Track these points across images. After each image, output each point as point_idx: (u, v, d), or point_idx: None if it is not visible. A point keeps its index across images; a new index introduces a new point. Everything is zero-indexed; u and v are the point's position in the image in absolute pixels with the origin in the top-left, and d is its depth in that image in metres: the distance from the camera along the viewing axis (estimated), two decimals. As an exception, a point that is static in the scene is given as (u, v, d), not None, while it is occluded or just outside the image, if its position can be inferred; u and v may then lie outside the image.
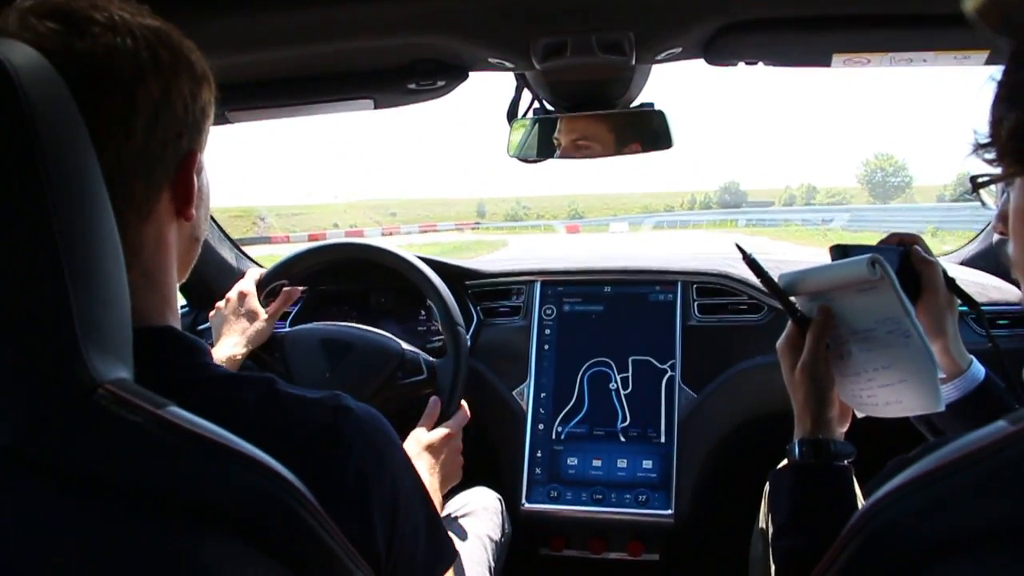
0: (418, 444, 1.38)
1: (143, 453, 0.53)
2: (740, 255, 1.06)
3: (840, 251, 1.07)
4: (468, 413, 1.51)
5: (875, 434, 1.14)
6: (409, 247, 1.95)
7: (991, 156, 0.72)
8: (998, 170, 0.73)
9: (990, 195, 0.91)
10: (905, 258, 1.11)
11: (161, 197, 0.72)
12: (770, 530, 1.03)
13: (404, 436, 1.43)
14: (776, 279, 1.05)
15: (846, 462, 0.96)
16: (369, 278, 1.80)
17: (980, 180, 0.83)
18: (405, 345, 1.62)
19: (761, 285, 1.84)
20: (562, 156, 1.61)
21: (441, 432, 1.41)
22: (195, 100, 0.73)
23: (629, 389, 1.86)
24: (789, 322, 1.05)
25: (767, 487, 1.03)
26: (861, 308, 0.98)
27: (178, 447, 0.53)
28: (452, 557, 0.89)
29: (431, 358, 1.63)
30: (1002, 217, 0.85)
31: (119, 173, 0.67)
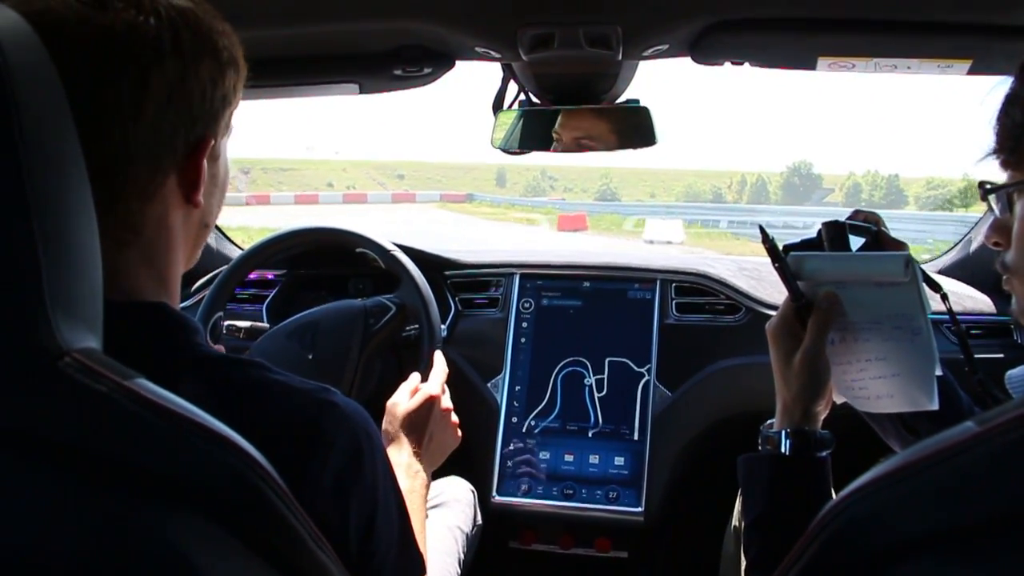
0: (399, 420, 1.24)
1: (108, 423, 0.53)
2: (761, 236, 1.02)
3: (834, 228, 1.02)
4: (445, 367, 1.38)
5: (847, 424, 1.13)
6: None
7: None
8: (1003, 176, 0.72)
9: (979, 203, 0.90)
10: (875, 237, 1.07)
11: (167, 181, 0.72)
12: (743, 522, 1.01)
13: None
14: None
15: (825, 453, 0.94)
16: (348, 263, 1.80)
17: (989, 187, 0.82)
18: (362, 300, 1.64)
19: (736, 290, 1.90)
20: (562, 151, 1.61)
21: (420, 398, 1.26)
22: (215, 86, 0.72)
23: (604, 392, 1.87)
24: (783, 304, 1.01)
25: (739, 476, 1.00)
26: (874, 301, 0.96)
27: (143, 419, 0.53)
28: (421, 572, 0.88)
29: (391, 297, 1.65)
30: (998, 228, 0.84)
31: (125, 153, 0.67)
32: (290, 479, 0.61)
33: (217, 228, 2.24)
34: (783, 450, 0.94)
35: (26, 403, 0.51)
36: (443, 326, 1.80)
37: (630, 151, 1.60)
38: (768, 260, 1.01)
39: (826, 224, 1.03)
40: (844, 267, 0.98)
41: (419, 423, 1.24)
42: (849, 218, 1.07)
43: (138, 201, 0.70)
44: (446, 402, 1.30)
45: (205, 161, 0.74)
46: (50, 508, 0.52)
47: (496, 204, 58.41)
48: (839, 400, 1.02)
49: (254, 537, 0.58)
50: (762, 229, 1.01)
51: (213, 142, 0.74)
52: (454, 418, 1.30)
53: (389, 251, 1.69)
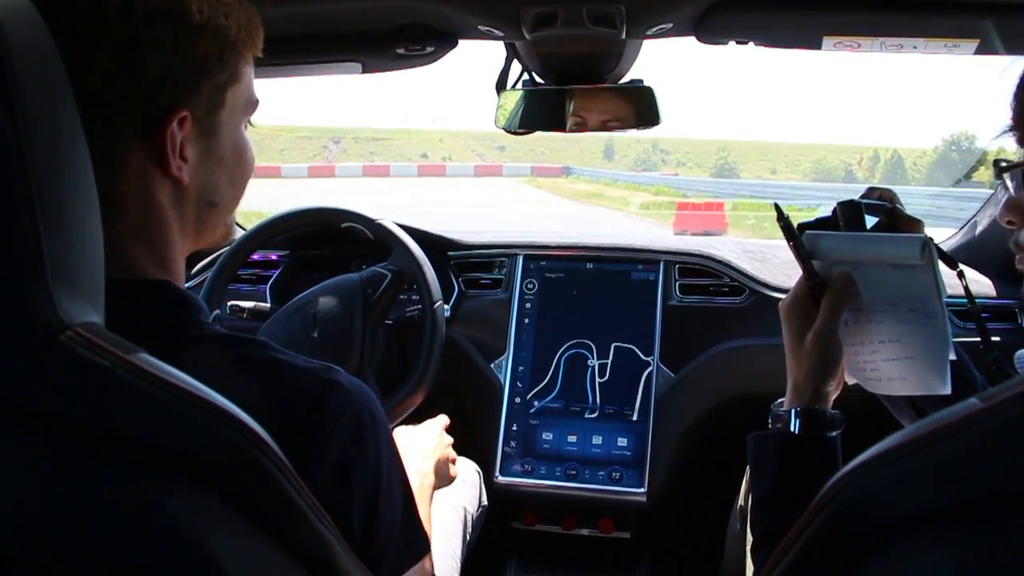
0: (420, 441, 1.33)
1: (109, 397, 0.53)
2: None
3: (850, 207, 1.01)
4: (446, 418, 1.47)
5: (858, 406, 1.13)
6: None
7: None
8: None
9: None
10: (890, 215, 1.05)
11: (130, 150, 0.69)
12: (749, 498, 1.00)
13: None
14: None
15: (836, 433, 0.94)
16: (353, 243, 1.80)
17: (1005, 165, 0.81)
18: (358, 273, 1.66)
19: (740, 272, 1.90)
20: (578, 130, 1.61)
21: (437, 430, 1.37)
22: (183, 54, 0.69)
23: (606, 377, 1.87)
24: (797, 283, 1.00)
25: (748, 454, 0.99)
26: (889, 282, 0.95)
27: (145, 392, 0.54)
28: (425, 550, 0.88)
29: (385, 264, 1.67)
30: (1013, 207, 0.83)
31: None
32: (293, 457, 0.62)
33: None
34: (792, 429, 0.94)
35: (27, 377, 0.52)
36: (446, 307, 1.80)
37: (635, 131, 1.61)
38: (773, 242, 1.01)
39: (841, 204, 1.03)
40: (860, 248, 0.97)
41: (429, 447, 1.31)
42: (863, 196, 1.06)
43: (106, 174, 0.67)
44: (449, 448, 1.37)
45: (176, 133, 0.71)
46: (49, 482, 0.52)
47: (595, 179, 48.28)
48: (851, 381, 1.02)
49: (255, 511, 0.58)
50: (777, 207, 1.00)
51: (187, 114, 0.71)
52: (452, 454, 1.37)
53: (374, 220, 1.71)
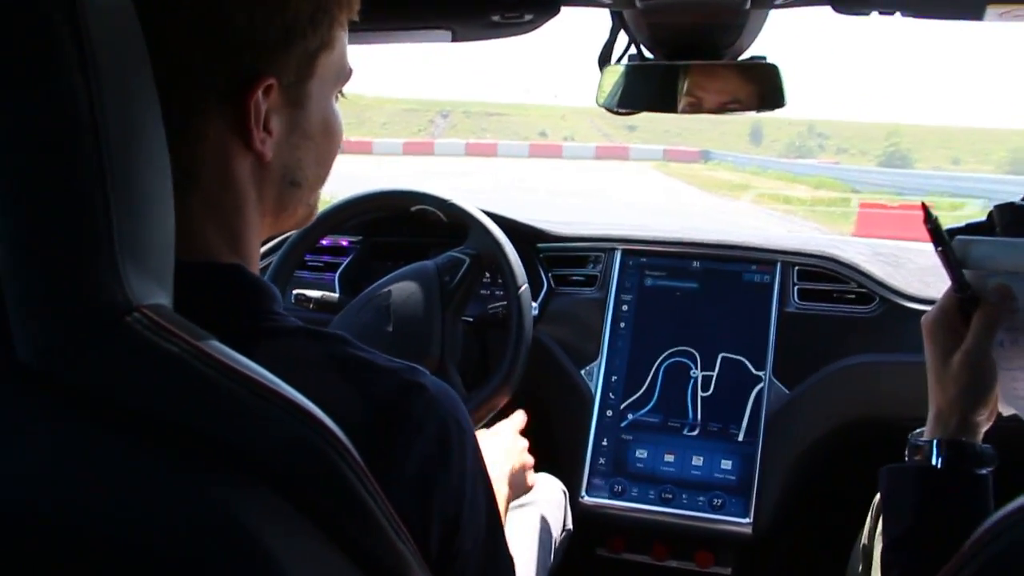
0: (492, 447, 1.31)
1: (176, 385, 0.53)
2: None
3: (1011, 211, 0.96)
4: (525, 416, 1.47)
5: (1014, 441, 1.08)
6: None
7: None
8: None
9: None
10: None
11: (211, 119, 0.69)
12: (878, 543, 0.98)
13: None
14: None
15: (986, 471, 0.90)
16: (430, 229, 1.81)
17: None
18: (433, 260, 1.68)
19: (870, 277, 1.84)
20: (692, 111, 1.59)
21: (512, 433, 1.36)
22: (270, 16, 0.69)
23: (710, 391, 1.84)
24: (944, 295, 0.96)
25: (880, 489, 0.96)
26: None
27: (215, 382, 0.54)
28: (510, 574, 0.86)
29: (462, 248, 1.68)
30: None
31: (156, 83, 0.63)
32: (370, 465, 0.61)
33: None
34: (934, 463, 0.91)
35: (89, 360, 0.52)
36: (534, 304, 1.80)
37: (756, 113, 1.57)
38: (908, 244, 0.98)
39: (999, 207, 0.97)
40: (1021, 255, 0.92)
41: (507, 457, 1.30)
42: None
43: (184, 141, 0.67)
44: (526, 453, 1.37)
45: (260, 102, 0.70)
46: (106, 470, 0.53)
47: (739, 167, 43.75)
48: (1006, 412, 0.97)
49: (327, 519, 0.58)
50: (925, 207, 0.96)
51: (275, 82, 0.71)
52: (528, 459, 1.37)
53: (447, 200, 1.72)
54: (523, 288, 1.64)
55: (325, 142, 0.80)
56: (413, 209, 1.75)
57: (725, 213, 20.43)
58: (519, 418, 1.41)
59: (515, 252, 1.67)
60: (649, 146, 55.62)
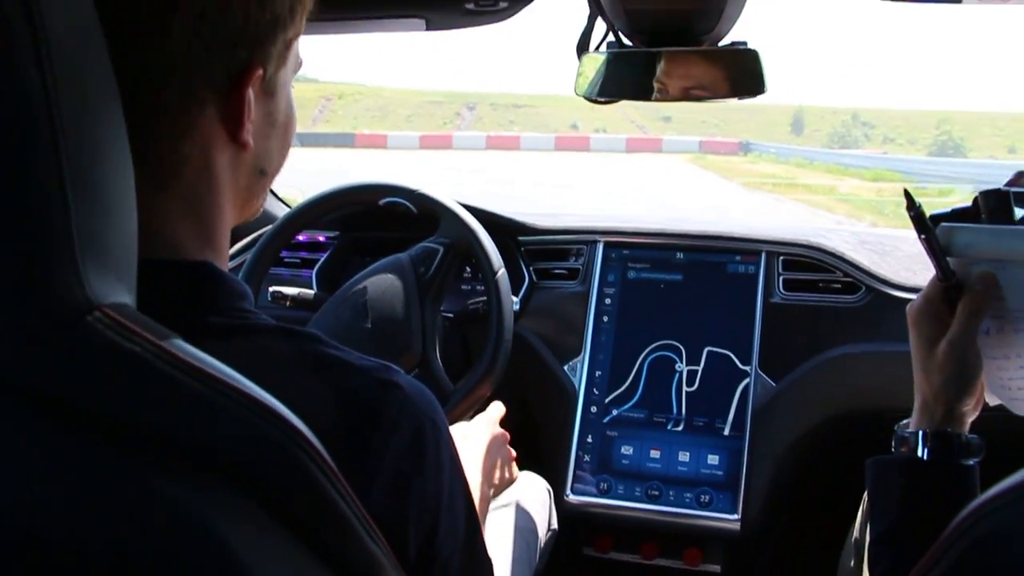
0: (471, 443, 1.29)
1: (138, 386, 0.53)
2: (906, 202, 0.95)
3: (996, 197, 0.95)
4: (502, 407, 1.45)
5: (1000, 430, 1.08)
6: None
7: None
8: None
9: None
10: None
11: (204, 113, 0.70)
12: (867, 535, 0.98)
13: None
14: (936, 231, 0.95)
15: (973, 461, 0.90)
16: (409, 223, 1.80)
17: None
18: (407, 252, 1.68)
19: (856, 266, 1.84)
20: (663, 99, 1.58)
21: (489, 425, 1.34)
22: (263, 5, 0.70)
23: (695, 386, 1.84)
24: (929, 283, 0.96)
25: (867, 482, 0.96)
26: None
27: (179, 382, 0.53)
28: None
29: (434, 238, 1.68)
30: None
31: (151, 78, 0.65)
32: (343, 467, 0.60)
33: None
34: (920, 454, 0.91)
35: (48, 361, 0.52)
36: (515, 299, 1.79)
37: (735, 99, 1.57)
38: (896, 232, 0.97)
39: (985, 193, 0.96)
40: (1006, 243, 0.92)
41: (481, 447, 1.28)
42: (1010, 183, 0.99)
43: (170, 135, 0.69)
44: (503, 434, 1.35)
45: (251, 93, 0.72)
46: (67, 475, 0.52)
47: (782, 158, 40.66)
48: (992, 401, 0.97)
49: (297, 521, 0.57)
50: (907, 194, 0.96)
51: (262, 72, 0.72)
52: (510, 452, 1.35)
53: (416, 191, 1.71)
54: (500, 272, 1.64)
55: (288, 130, 0.81)
56: (382, 202, 1.74)
57: (773, 216, 18.03)
58: (496, 410, 1.39)
59: (489, 238, 1.67)
60: (684, 137, 53.29)
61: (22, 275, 0.50)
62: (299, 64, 0.82)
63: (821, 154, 44.48)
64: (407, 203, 1.71)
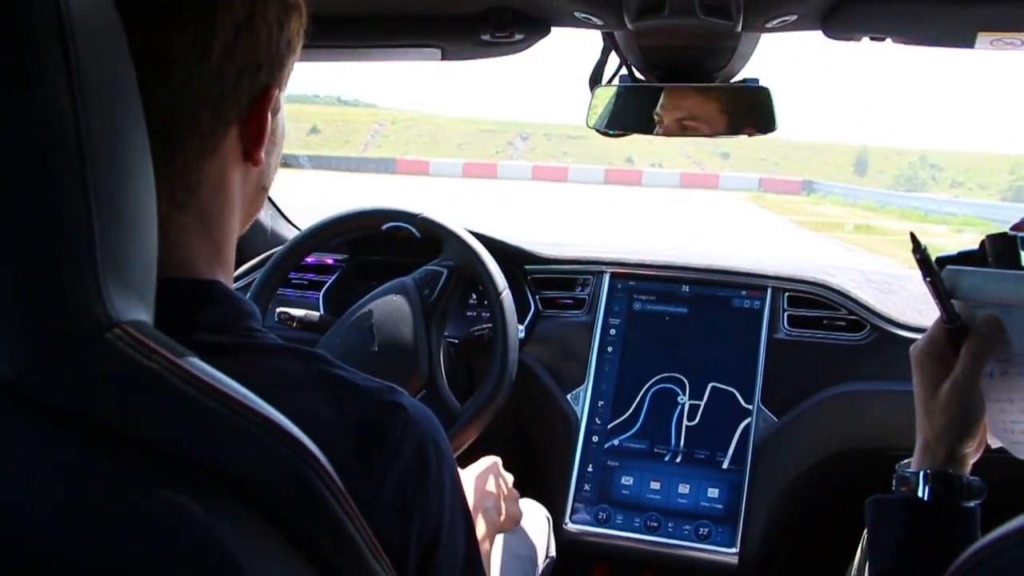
0: (477, 478, 1.32)
1: (155, 403, 0.54)
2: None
3: (1002, 242, 0.96)
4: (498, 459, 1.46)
5: (1002, 473, 1.08)
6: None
7: None
8: None
9: None
10: None
11: (229, 134, 0.73)
12: (865, 574, 0.98)
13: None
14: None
15: (974, 504, 0.90)
16: (416, 248, 1.82)
17: None
18: (411, 276, 1.69)
19: (861, 304, 1.85)
20: (664, 134, 1.60)
21: (496, 466, 1.36)
22: (281, 30, 0.74)
23: (696, 420, 1.84)
24: (933, 325, 0.96)
25: (866, 521, 0.96)
26: None
27: (194, 400, 0.54)
28: None
29: (438, 261, 1.69)
30: None
31: (186, 100, 0.68)
32: (348, 486, 0.62)
33: (271, 204, 2.29)
34: (920, 494, 0.90)
35: (68, 375, 0.53)
36: (520, 327, 1.80)
37: (743, 137, 1.58)
38: (902, 271, 0.97)
39: (991, 236, 0.97)
40: (1011, 287, 0.92)
41: (487, 484, 1.31)
42: (1015, 227, 1.00)
43: (197, 156, 0.71)
44: (508, 476, 1.38)
45: (268, 114, 0.75)
46: (82, 488, 0.53)
47: (850, 200, 37.14)
48: (994, 444, 0.97)
49: (303, 538, 0.58)
50: (913, 237, 0.96)
51: (277, 92, 0.76)
52: (514, 492, 1.37)
53: (418, 215, 1.72)
54: (504, 293, 1.65)
55: (281, 146, 0.84)
56: (384, 227, 1.75)
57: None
58: (495, 459, 1.40)
59: (492, 259, 1.69)
60: (742, 174, 50.84)
61: (46, 291, 0.52)
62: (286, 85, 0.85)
63: (892, 196, 40.63)
64: (410, 227, 1.73)
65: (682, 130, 1.59)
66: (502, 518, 1.30)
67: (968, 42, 1.26)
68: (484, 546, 1.20)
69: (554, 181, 40.96)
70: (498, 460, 1.40)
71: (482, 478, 1.31)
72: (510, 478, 1.36)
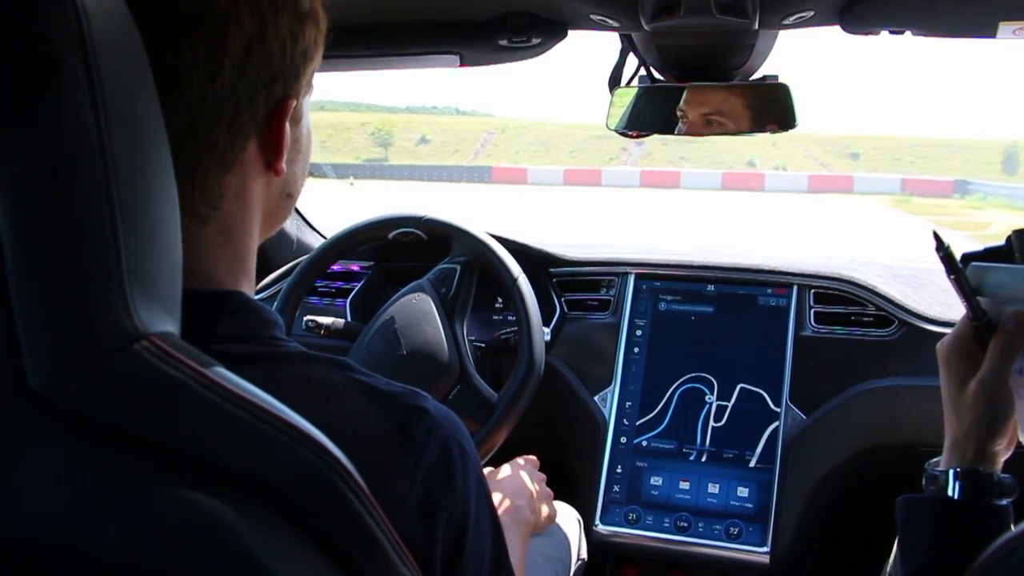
0: (510, 479, 1.35)
1: (182, 412, 0.55)
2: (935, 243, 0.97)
3: None
4: (535, 459, 1.50)
5: None
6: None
7: None
8: None
9: None
10: None
11: (247, 146, 0.73)
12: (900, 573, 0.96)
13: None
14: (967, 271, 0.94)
15: (1006, 502, 0.88)
16: (440, 252, 1.83)
17: None
18: (425, 277, 1.71)
19: (888, 299, 1.84)
20: (688, 133, 1.60)
21: (529, 467, 1.38)
22: (295, 41, 0.74)
23: (723, 421, 1.84)
24: (960, 322, 0.95)
25: (898, 520, 0.95)
26: None
27: (220, 409, 0.55)
28: None
29: (449, 259, 1.72)
30: None
31: (202, 116, 0.69)
32: (374, 491, 0.62)
33: (298, 213, 2.30)
34: (951, 493, 0.89)
35: (96, 386, 0.54)
36: (546, 330, 1.80)
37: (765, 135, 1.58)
38: (937, 267, 0.96)
39: (1018, 232, 0.96)
40: None
41: (521, 485, 1.34)
42: None
43: (217, 170, 0.72)
44: (540, 476, 1.42)
45: (288, 124, 0.75)
46: (116, 499, 0.54)
47: (1017, 202, 33.07)
48: None
49: (332, 544, 0.59)
50: (936, 235, 0.96)
51: (295, 102, 0.76)
52: (548, 491, 1.41)
53: (422, 217, 1.75)
54: (519, 278, 1.66)
55: (308, 152, 0.85)
56: (391, 235, 1.77)
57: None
58: (531, 458, 1.41)
59: (502, 247, 1.70)
60: (880, 175, 47.13)
61: (74, 304, 0.53)
62: (311, 89, 0.85)
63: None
64: (415, 231, 1.74)
65: (707, 126, 1.59)
66: (540, 516, 1.30)
67: (990, 32, 1.25)
68: (518, 543, 1.20)
69: (665, 187, 39.36)
70: (534, 459, 1.41)
71: (518, 476, 1.32)
72: (542, 476, 1.37)
